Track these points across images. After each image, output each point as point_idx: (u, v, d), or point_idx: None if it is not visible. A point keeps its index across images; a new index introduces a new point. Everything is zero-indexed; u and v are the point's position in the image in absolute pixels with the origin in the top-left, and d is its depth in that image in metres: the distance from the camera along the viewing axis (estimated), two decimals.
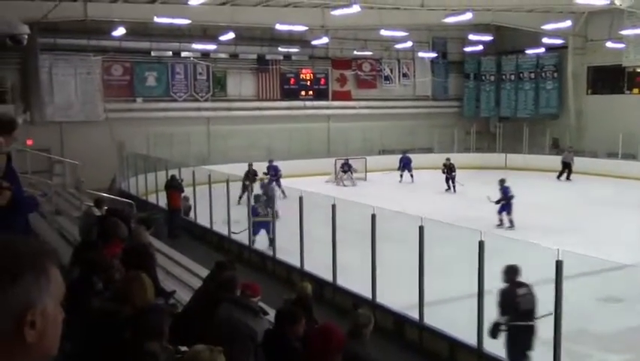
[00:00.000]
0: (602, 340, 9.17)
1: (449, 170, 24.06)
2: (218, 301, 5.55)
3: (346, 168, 26.97)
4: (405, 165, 27.05)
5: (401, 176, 26.75)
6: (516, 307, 7.03)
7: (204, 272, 7.98)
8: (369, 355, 5.04)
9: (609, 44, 28.60)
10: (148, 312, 4.02)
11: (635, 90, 30.73)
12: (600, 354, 8.68)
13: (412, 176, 26.68)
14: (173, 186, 16.46)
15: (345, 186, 26.12)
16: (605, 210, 19.77)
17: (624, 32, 27.54)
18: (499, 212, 17.42)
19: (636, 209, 19.89)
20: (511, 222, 17.12)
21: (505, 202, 17.42)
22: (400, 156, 27.87)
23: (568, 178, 26.52)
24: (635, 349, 8.22)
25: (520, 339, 6.94)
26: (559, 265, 6.57)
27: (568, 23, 27.42)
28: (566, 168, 26.85)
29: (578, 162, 27.38)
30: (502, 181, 18.09)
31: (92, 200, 11.71)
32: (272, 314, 5.77)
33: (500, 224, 17.08)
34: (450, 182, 24.15)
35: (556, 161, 27.77)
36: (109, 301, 4.49)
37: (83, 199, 15.13)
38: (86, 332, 4.14)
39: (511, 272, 7.07)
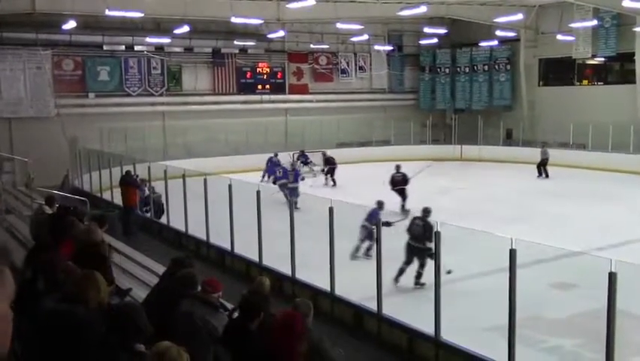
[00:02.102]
0: (555, 325, 9.40)
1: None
2: (175, 297, 5.50)
3: (304, 159, 26.99)
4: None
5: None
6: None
7: (161, 269, 7.87)
8: (321, 340, 5.08)
9: (559, 37, 29.30)
10: (128, 310, 3.94)
11: (585, 82, 31.57)
12: (554, 339, 8.90)
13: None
14: (128, 182, 16.18)
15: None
16: (557, 200, 20.28)
17: (574, 25, 28.24)
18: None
19: (586, 198, 20.47)
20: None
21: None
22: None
23: (545, 175, 25.47)
24: (586, 333, 8.44)
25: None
26: (512, 253, 6.69)
27: (520, 16, 27.97)
28: (543, 165, 25.61)
29: (531, 153, 27.92)
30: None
31: (43, 198, 11.44)
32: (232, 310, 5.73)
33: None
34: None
35: (510, 151, 28.32)
36: (61, 302, 4.38)
37: (33, 197, 14.79)
38: (38, 333, 4.04)
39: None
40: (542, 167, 25.54)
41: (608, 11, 27.35)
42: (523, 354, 7.21)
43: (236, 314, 5.37)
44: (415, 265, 10.69)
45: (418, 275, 10.78)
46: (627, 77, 28.46)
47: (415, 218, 11.13)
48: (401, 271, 10.78)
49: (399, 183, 18.80)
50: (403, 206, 18.01)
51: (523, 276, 7.03)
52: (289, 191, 18.29)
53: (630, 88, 27.63)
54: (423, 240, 10.52)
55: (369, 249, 12.14)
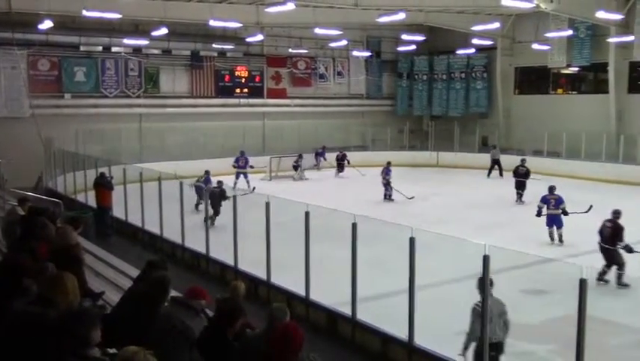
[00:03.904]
0: (527, 331, 9.49)
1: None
2: (152, 300, 5.47)
3: (299, 162, 27.78)
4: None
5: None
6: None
7: (135, 272, 7.81)
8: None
9: (535, 46, 29.69)
10: (77, 317, 3.88)
11: (560, 90, 32.04)
12: (526, 345, 8.98)
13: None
14: (103, 184, 16.04)
15: (301, 180, 27.16)
16: (531, 207, 20.48)
17: (549, 35, 28.66)
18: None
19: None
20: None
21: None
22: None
23: (500, 175, 26.85)
24: (558, 339, 8.54)
25: None
26: (486, 259, 6.75)
27: (496, 25, 28.27)
28: (495, 164, 27.59)
29: (507, 160, 28.21)
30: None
31: (15, 199, 11.29)
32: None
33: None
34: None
35: (485, 158, 28.57)
36: (32, 305, 4.33)
37: (6, 198, 14.59)
38: (7, 336, 3.98)
39: None
40: (492, 168, 27.46)
41: (582, 22, 27.81)
42: None
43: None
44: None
45: (619, 276, 11.31)
46: (600, 87, 28.94)
47: (605, 220, 11.97)
48: (603, 273, 11.46)
49: (522, 175, 21.42)
50: (520, 196, 20.81)
51: (497, 282, 7.10)
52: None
53: (603, 97, 28.10)
54: (613, 241, 11.33)
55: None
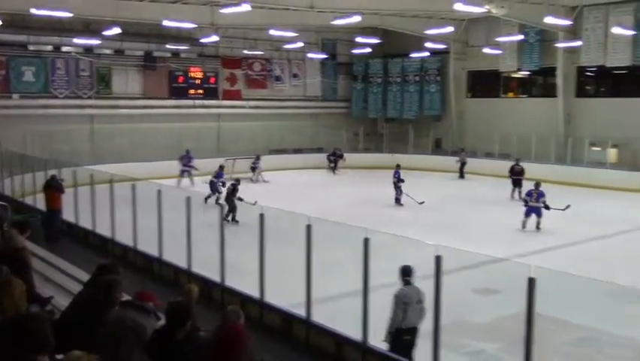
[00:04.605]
0: (478, 330, 9.69)
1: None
2: (103, 304, 5.38)
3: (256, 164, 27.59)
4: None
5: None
6: None
7: (85, 276, 7.65)
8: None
9: (487, 50, 30.31)
10: (27, 321, 3.78)
11: (510, 94, 32.75)
12: (476, 343, 9.17)
13: None
14: (53, 186, 15.65)
15: (259, 182, 26.91)
16: (483, 208, 20.93)
17: (500, 39, 29.30)
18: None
19: (510, 206, 21.18)
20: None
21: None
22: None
23: (462, 176, 28.46)
24: (507, 337, 8.71)
25: None
26: (438, 259, 6.85)
27: (450, 29, 28.78)
28: (463, 167, 28.67)
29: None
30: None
31: None
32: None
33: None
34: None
35: (438, 160, 29.05)
36: None
37: None
38: None
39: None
40: (462, 170, 28.56)
41: (532, 27, 28.51)
42: (447, 358, 7.39)
43: (162, 323, 5.30)
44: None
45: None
46: (549, 91, 29.69)
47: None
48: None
49: (517, 173, 22.97)
50: (519, 193, 21.53)
51: (449, 282, 7.21)
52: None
53: (552, 101, 28.85)
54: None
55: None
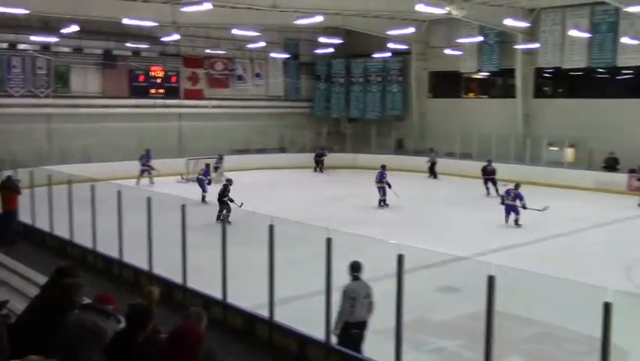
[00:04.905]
0: (440, 327, 9.79)
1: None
2: (60, 308, 5.30)
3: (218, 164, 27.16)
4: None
5: None
6: None
7: (43, 279, 7.50)
8: (213, 353, 5.04)
9: (448, 51, 30.68)
10: None
11: (471, 95, 33.20)
12: (438, 341, 9.27)
13: None
14: (9, 187, 15.27)
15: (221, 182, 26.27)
16: (445, 207, 21.17)
17: (461, 40, 29.67)
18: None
19: (471, 205, 21.51)
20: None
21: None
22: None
23: (434, 177, 28.80)
24: (468, 334, 8.84)
25: None
26: (400, 258, 6.90)
27: (411, 30, 29.06)
28: (432, 167, 28.97)
29: (421, 162, 29.09)
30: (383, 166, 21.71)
31: None
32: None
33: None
34: None
35: (401, 159, 29.30)
36: None
37: None
38: None
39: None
40: (431, 169, 28.76)
41: (492, 29, 28.95)
42: (410, 356, 7.44)
43: (122, 326, 5.23)
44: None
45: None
46: (509, 92, 30.18)
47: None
48: None
49: (489, 172, 23.76)
50: (496, 190, 22.54)
51: (411, 280, 7.26)
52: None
53: (511, 102, 29.36)
54: None
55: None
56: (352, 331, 7.71)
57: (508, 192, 18.47)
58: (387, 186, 20.82)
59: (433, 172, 28.80)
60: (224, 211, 17.23)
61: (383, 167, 21.66)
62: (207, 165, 23.12)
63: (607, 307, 5.21)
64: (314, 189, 24.76)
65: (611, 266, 13.24)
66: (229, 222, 16.83)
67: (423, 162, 29.12)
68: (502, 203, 18.46)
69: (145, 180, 25.46)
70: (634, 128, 25.27)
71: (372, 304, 7.83)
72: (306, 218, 13.96)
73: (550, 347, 9.37)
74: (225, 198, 17.71)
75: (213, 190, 19.34)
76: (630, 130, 25.31)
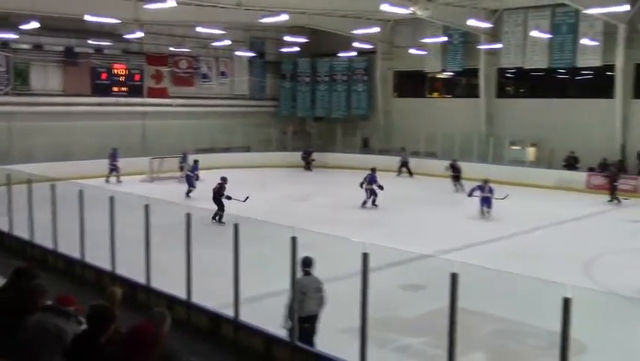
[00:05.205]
0: (405, 325, 9.87)
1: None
2: (18, 310, 5.18)
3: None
4: None
5: None
6: None
7: (1, 281, 7.31)
8: (174, 353, 4.99)
9: (412, 51, 30.93)
10: None
11: (436, 94, 33.55)
12: (403, 338, 9.34)
13: None
14: None
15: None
16: (410, 205, 21.34)
17: (425, 40, 29.95)
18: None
19: (434, 203, 21.72)
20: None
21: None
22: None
23: (410, 175, 29.04)
24: (433, 331, 8.91)
25: None
26: (365, 256, 6.92)
27: (376, 30, 29.22)
28: (404, 166, 29.35)
29: (387, 161, 29.24)
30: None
31: None
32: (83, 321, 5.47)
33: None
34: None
35: (366, 158, 29.45)
36: None
37: None
38: None
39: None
40: (402, 168, 29.29)
41: (456, 29, 29.29)
42: (375, 354, 7.48)
43: (84, 327, 5.14)
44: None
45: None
46: (472, 91, 30.60)
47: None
48: None
49: (456, 170, 24.77)
50: (461, 186, 23.77)
51: (377, 278, 7.30)
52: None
53: (475, 101, 29.75)
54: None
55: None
56: (304, 325, 7.87)
57: (481, 187, 19.36)
58: (378, 189, 20.69)
59: (408, 170, 29.12)
60: (220, 211, 17.46)
61: (373, 170, 21.45)
62: (196, 162, 23.65)
63: (566, 303, 5.32)
64: (280, 189, 24.69)
65: (571, 263, 13.52)
66: (222, 223, 16.83)
67: (389, 161, 29.29)
68: (470, 196, 19.61)
69: (113, 179, 25.63)
70: (593, 127, 25.86)
71: (324, 298, 8.07)
72: (270, 217, 13.95)
73: (512, 342, 9.53)
74: (222, 198, 17.58)
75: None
76: (589, 129, 25.88)
